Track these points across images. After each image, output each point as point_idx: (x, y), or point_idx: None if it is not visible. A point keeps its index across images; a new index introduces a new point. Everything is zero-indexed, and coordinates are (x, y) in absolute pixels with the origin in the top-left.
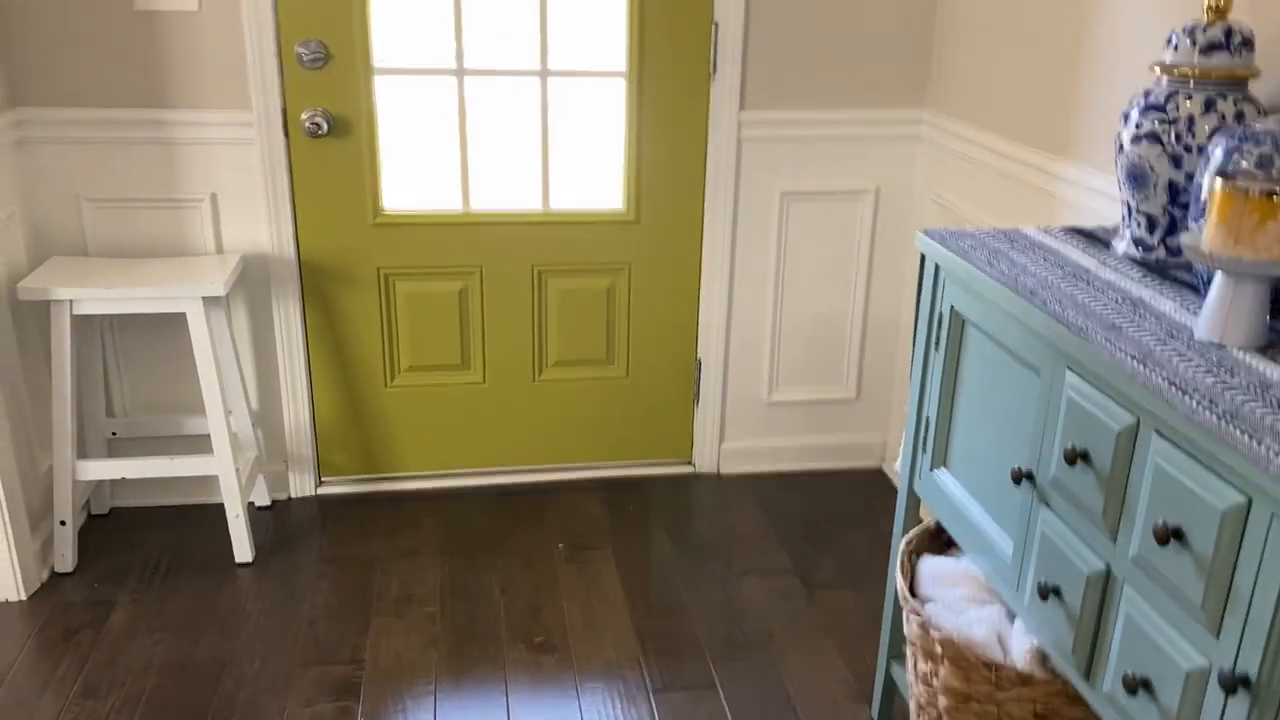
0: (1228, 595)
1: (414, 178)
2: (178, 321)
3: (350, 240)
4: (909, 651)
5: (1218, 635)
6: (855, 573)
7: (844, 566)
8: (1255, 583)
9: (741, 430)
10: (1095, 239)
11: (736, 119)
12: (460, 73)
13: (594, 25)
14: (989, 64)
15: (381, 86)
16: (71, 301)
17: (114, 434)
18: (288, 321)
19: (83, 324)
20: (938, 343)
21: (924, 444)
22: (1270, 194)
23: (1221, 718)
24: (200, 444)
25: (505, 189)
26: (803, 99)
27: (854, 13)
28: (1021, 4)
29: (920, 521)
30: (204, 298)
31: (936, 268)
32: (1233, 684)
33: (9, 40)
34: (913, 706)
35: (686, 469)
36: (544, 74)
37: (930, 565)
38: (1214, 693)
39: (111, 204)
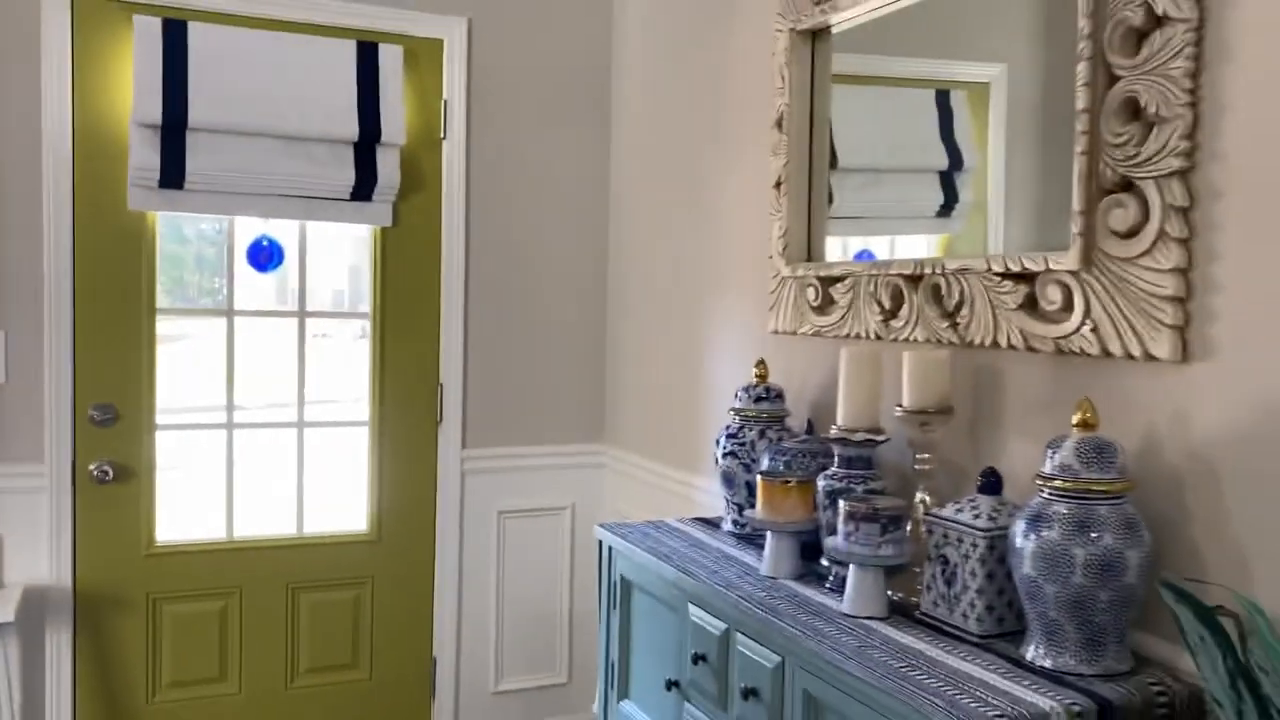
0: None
1: (185, 512)
2: None
3: (124, 570)
4: None
5: None
6: None
7: None
8: (792, 710)
9: (473, 719)
10: (711, 523)
11: (460, 455)
12: (230, 426)
13: (344, 385)
14: (645, 412)
15: (161, 438)
16: None
17: None
18: (58, 647)
19: None
20: (614, 604)
21: (611, 683)
22: (786, 483)
23: None
24: None
25: (265, 518)
26: (513, 438)
27: (548, 378)
28: (659, 371)
29: None
30: None
31: (610, 549)
32: None
33: None
34: None
35: None
36: (300, 425)
37: None
38: None
39: None
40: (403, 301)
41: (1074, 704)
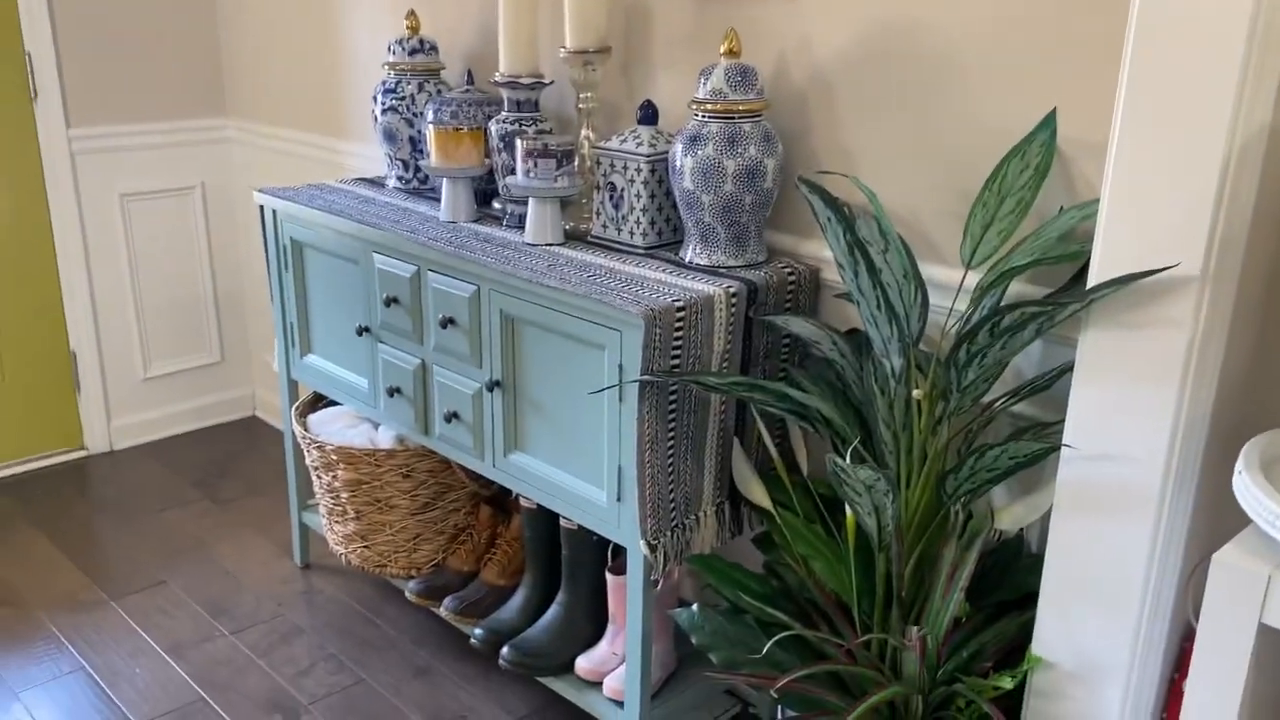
0: (481, 341)
1: None
2: None
3: None
4: (315, 478)
5: (480, 366)
6: (257, 487)
7: (246, 486)
8: (490, 328)
9: (128, 407)
10: (374, 182)
11: (66, 135)
12: None
13: None
14: (274, 77)
15: None
16: None
17: None
18: None
19: None
20: (286, 265)
21: (293, 341)
22: (458, 130)
23: (491, 408)
24: None
25: None
26: (126, 114)
27: (155, 46)
28: (286, 33)
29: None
30: None
31: (275, 213)
32: (491, 386)
33: None
34: (325, 522)
35: (81, 453)
36: None
37: (315, 417)
38: (485, 398)
39: None
40: None
41: (730, 286)
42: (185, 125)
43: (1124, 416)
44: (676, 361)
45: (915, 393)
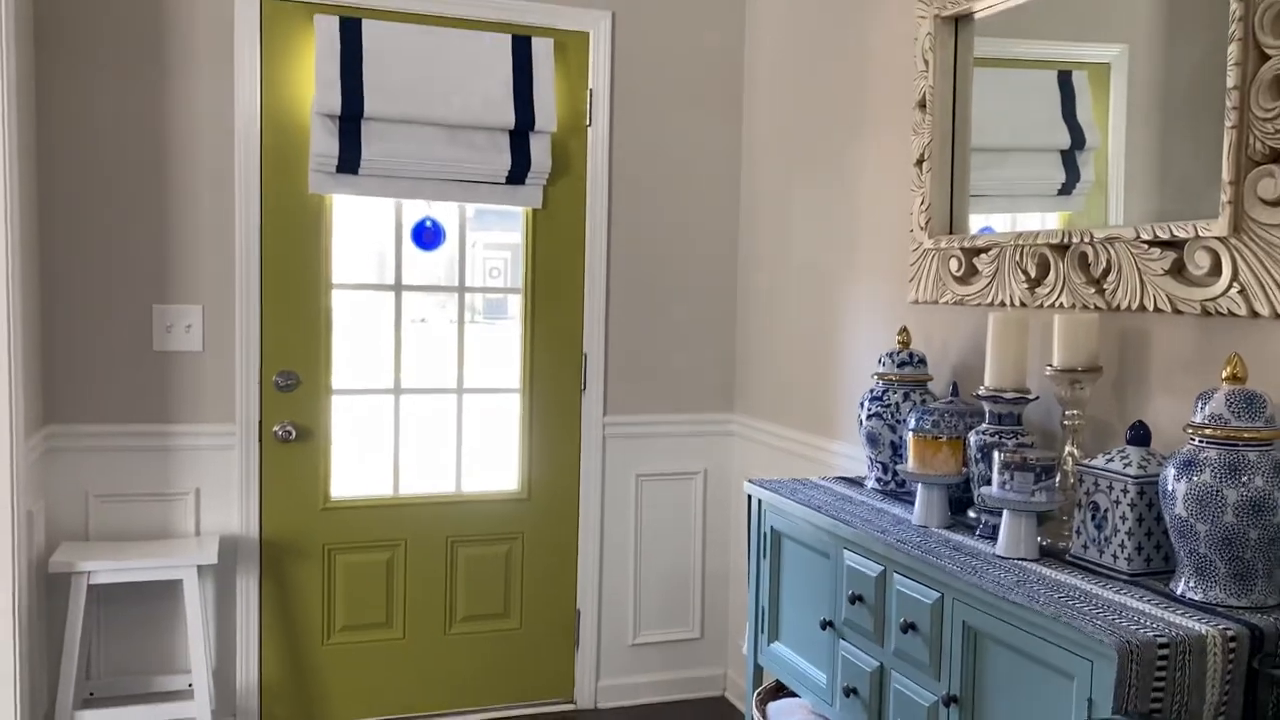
0: (941, 651)
1: (357, 470)
2: (158, 593)
3: (303, 522)
4: None
5: (938, 678)
6: None
7: None
8: (951, 639)
9: (614, 669)
10: (854, 481)
11: (601, 421)
12: (397, 391)
13: (497, 356)
14: (777, 382)
15: (336, 402)
16: (89, 573)
17: (91, 694)
18: (248, 591)
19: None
20: (764, 554)
21: (762, 627)
22: (937, 439)
23: None
24: (169, 699)
25: (427, 476)
26: (650, 406)
27: (681, 350)
28: (793, 343)
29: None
30: (199, 566)
31: (760, 503)
32: (949, 702)
33: (49, 373)
34: None
35: (569, 706)
36: (460, 391)
37: (774, 706)
38: (941, 713)
39: (113, 498)
40: (551, 278)
41: (1228, 629)
42: (698, 418)
43: None
44: (1157, 706)
45: None
